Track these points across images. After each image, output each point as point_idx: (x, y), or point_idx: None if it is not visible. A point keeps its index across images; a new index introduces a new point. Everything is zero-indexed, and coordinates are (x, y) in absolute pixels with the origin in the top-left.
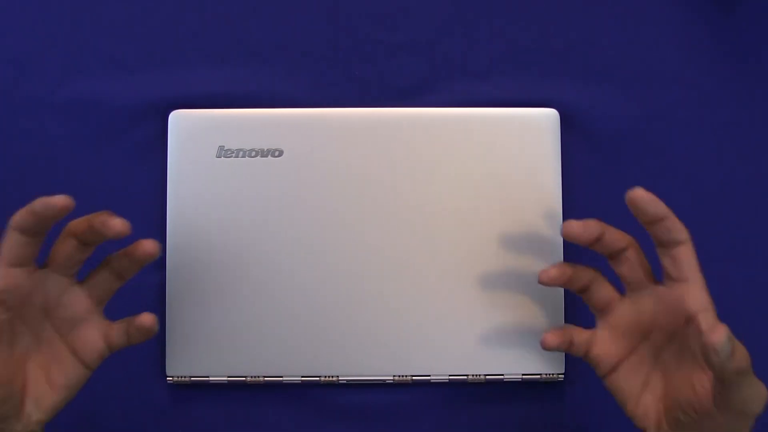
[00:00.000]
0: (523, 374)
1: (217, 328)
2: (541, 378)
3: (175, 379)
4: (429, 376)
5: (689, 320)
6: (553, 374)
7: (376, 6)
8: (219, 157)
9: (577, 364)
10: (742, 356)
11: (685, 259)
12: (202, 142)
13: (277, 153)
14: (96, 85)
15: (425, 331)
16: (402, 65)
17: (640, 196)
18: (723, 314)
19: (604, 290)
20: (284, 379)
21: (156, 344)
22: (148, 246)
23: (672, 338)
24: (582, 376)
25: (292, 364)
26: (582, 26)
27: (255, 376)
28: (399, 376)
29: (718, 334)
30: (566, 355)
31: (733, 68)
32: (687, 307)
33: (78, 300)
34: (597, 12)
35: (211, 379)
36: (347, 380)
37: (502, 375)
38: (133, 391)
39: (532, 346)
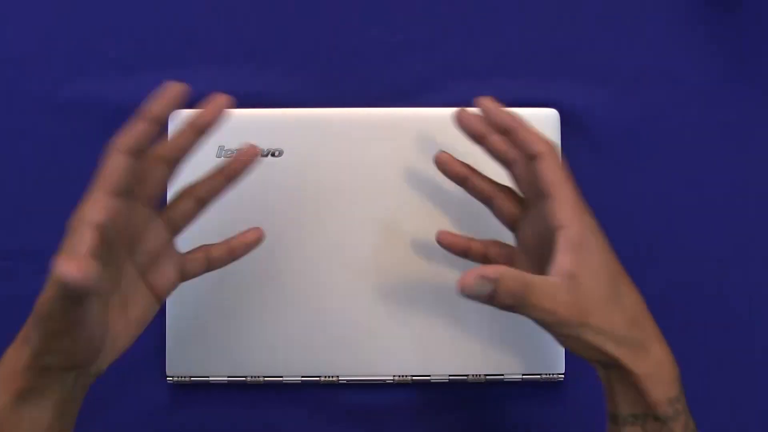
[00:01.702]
0: (523, 374)
1: (217, 328)
2: (541, 378)
3: (175, 379)
4: (429, 376)
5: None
6: (553, 374)
7: (376, 6)
8: (219, 157)
9: (577, 364)
10: (505, 289)
11: (543, 173)
12: (202, 142)
13: (277, 153)
14: (96, 85)
15: (425, 331)
16: (402, 65)
17: (484, 103)
18: (723, 313)
19: (506, 206)
20: (284, 379)
21: (156, 344)
22: (246, 157)
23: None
24: (582, 376)
25: (292, 364)
26: (582, 26)
27: (255, 376)
28: (399, 376)
29: (463, 283)
30: (566, 355)
31: (733, 68)
32: (551, 225)
33: (159, 232)
34: (597, 12)
35: (211, 379)
36: (347, 380)
37: (502, 375)
38: (133, 391)
39: (532, 346)
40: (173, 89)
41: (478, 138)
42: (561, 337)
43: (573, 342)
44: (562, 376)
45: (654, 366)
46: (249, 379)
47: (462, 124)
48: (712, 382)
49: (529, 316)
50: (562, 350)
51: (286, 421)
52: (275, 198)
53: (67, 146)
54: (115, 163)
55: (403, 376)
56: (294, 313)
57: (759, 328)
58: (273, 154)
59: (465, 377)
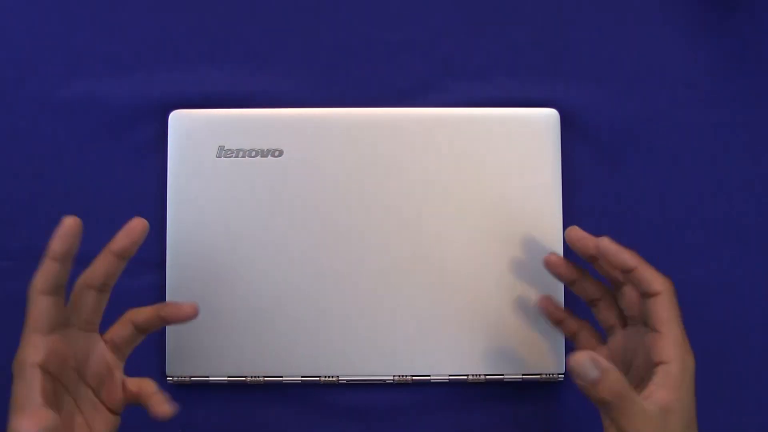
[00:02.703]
0: (523, 374)
1: (217, 328)
2: (541, 378)
3: (175, 379)
4: (429, 376)
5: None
6: (553, 374)
7: (376, 6)
8: (219, 157)
9: None
10: (608, 385)
11: (656, 310)
12: (202, 142)
13: (277, 153)
14: (96, 85)
15: (425, 331)
16: (402, 65)
17: (605, 246)
18: (723, 313)
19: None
20: (284, 379)
21: (156, 344)
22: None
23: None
24: None
25: (292, 364)
26: (582, 26)
27: (255, 376)
28: (399, 376)
29: (576, 358)
30: (566, 356)
31: (733, 68)
32: (653, 357)
33: (102, 354)
34: (596, 12)
35: (211, 379)
36: (347, 380)
37: (502, 375)
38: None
39: (532, 346)
40: (68, 225)
41: (570, 281)
42: None
43: None
44: (562, 376)
45: None
46: (249, 379)
47: (553, 271)
48: (711, 382)
49: (613, 421)
50: (563, 350)
51: (286, 421)
52: (275, 198)
53: (67, 146)
54: (38, 305)
55: (403, 376)
56: (294, 313)
57: (759, 327)
58: (273, 154)
59: (465, 377)
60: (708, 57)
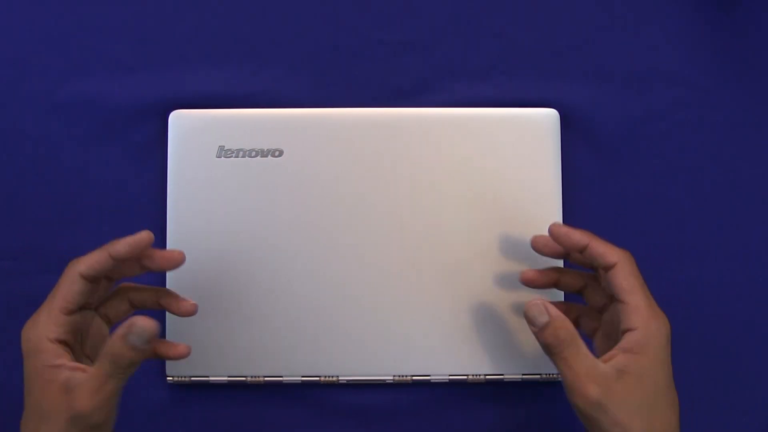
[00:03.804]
0: (523, 374)
1: (217, 328)
2: (541, 378)
3: (175, 379)
4: (429, 376)
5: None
6: (553, 374)
7: (376, 6)
8: (219, 157)
9: None
10: (552, 331)
11: (616, 282)
12: (202, 142)
13: (277, 153)
14: (96, 85)
15: (425, 331)
16: (402, 65)
17: (555, 230)
18: (723, 313)
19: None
20: (284, 379)
21: None
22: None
23: None
24: None
25: (292, 364)
26: (582, 26)
27: (255, 376)
28: (399, 376)
29: (529, 303)
30: None
31: (733, 68)
32: (620, 327)
33: (100, 327)
34: (597, 12)
35: (211, 379)
36: (347, 380)
37: (502, 375)
38: (133, 391)
39: (532, 346)
40: (142, 237)
41: (561, 256)
42: (576, 408)
43: (589, 422)
44: None
45: None
46: (249, 379)
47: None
48: (711, 382)
49: (559, 369)
50: None
51: (286, 421)
52: (275, 198)
53: (67, 146)
54: (74, 286)
55: (403, 376)
56: (294, 313)
57: (759, 327)
58: (273, 154)
59: (465, 377)
60: (708, 57)
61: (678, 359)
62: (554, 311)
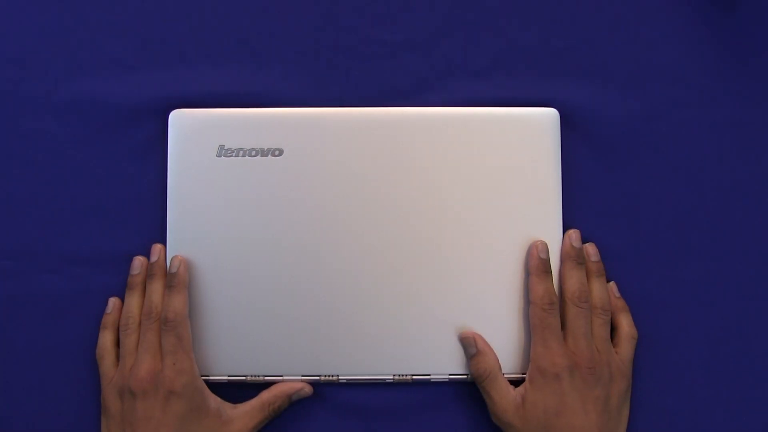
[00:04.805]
0: (522, 374)
1: (217, 327)
2: None
3: None
4: (429, 376)
5: None
6: None
7: (376, 6)
8: (219, 156)
9: None
10: (478, 363)
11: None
12: (202, 142)
13: (277, 152)
14: (96, 85)
15: (425, 331)
16: (402, 65)
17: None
18: (723, 313)
19: None
20: (284, 378)
21: None
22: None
23: None
24: None
25: (292, 364)
26: (582, 26)
27: (255, 376)
28: (399, 375)
29: (463, 334)
30: None
31: (733, 68)
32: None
33: None
34: (597, 12)
35: (211, 379)
36: (347, 379)
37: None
38: None
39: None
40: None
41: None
42: (498, 425)
43: None
44: None
45: None
46: (249, 378)
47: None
48: (711, 382)
49: (483, 395)
50: None
51: (286, 421)
52: (275, 197)
53: (67, 146)
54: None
55: (403, 375)
56: (294, 313)
57: (759, 327)
58: (273, 154)
59: (465, 377)
60: (708, 57)
61: (678, 359)
62: (481, 345)
